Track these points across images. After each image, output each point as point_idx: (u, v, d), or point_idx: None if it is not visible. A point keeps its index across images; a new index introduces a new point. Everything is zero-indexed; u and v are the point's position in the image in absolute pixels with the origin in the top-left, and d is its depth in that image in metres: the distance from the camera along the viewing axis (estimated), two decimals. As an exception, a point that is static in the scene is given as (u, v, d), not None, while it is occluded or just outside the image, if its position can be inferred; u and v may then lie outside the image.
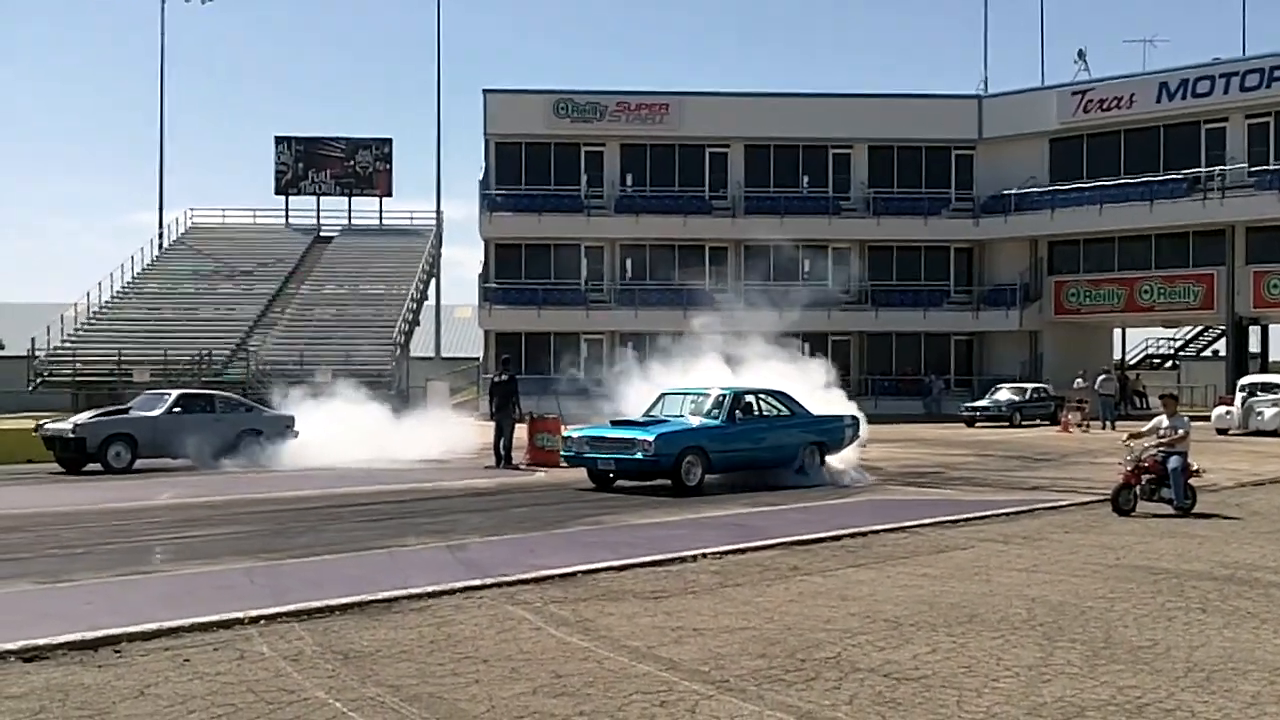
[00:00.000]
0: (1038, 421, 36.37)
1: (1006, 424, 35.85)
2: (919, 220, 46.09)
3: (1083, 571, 9.77)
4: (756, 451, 17.40)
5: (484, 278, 46.43)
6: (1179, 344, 56.60)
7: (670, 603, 8.39)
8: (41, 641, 6.88)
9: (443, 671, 6.46)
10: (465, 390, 44.48)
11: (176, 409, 21.49)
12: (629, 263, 46.58)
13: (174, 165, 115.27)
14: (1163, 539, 11.72)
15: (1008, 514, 13.85)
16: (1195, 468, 13.89)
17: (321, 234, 52.37)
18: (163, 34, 51.73)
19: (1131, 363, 55.38)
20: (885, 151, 47.16)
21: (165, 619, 7.49)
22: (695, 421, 17.08)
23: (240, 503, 15.32)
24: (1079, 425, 32.72)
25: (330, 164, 52.80)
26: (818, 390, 20.10)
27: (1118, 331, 52.02)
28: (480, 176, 47.37)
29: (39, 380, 39.55)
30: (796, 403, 18.32)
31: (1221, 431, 30.71)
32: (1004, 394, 37.92)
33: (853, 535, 11.82)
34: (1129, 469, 13.70)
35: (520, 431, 21.57)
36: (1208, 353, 54.38)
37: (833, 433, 18.53)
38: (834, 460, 18.44)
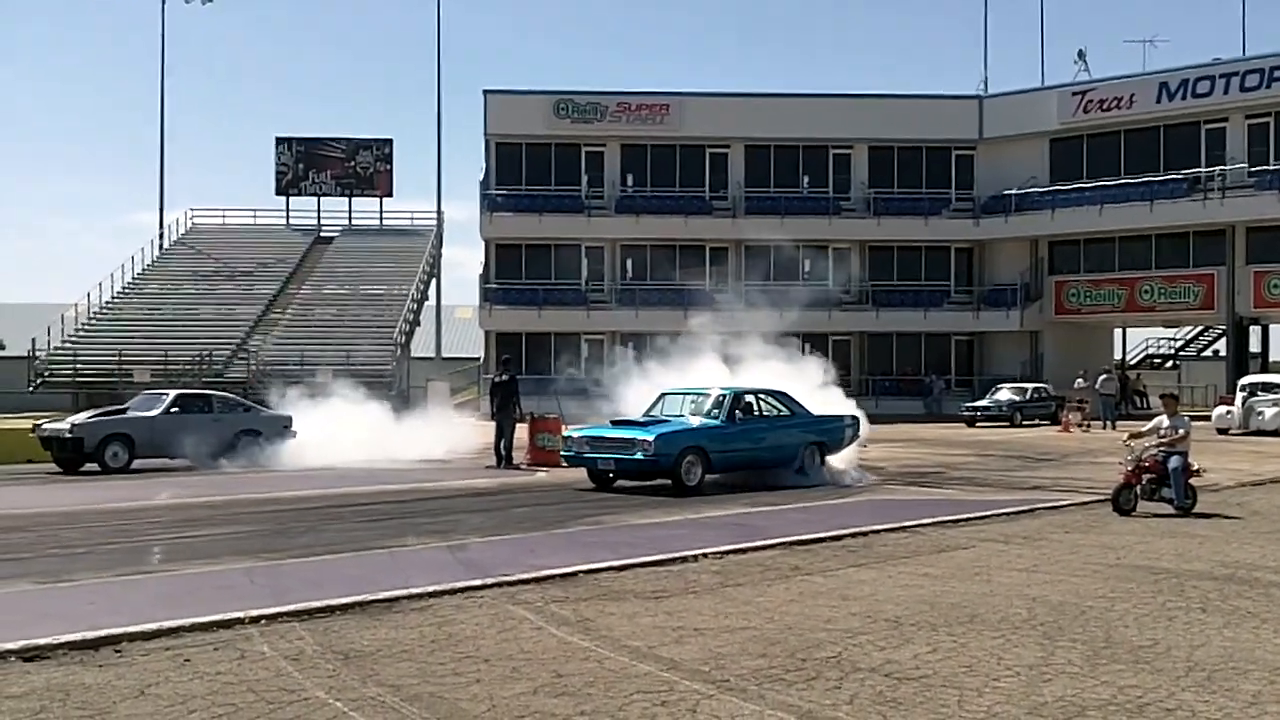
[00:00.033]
0: (1038, 421, 36.39)
1: (1007, 424, 35.86)
2: (919, 220, 46.11)
3: (1083, 571, 9.77)
4: (757, 451, 17.39)
5: (484, 278, 46.47)
6: (1179, 344, 56.62)
7: (671, 602, 8.39)
8: (42, 641, 6.88)
9: (443, 671, 6.46)
10: (466, 390, 44.50)
11: (174, 409, 21.49)
12: (629, 263, 46.60)
13: (174, 165, 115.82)
14: (1163, 539, 11.72)
15: (1008, 514, 13.84)
16: (1196, 467, 13.89)
17: (322, 234, 52.38)
18: (163, 34, 51.80)
19: (1132, 363, 55.40)
20: (885, 152, 47.18)
21: (166, 619, 7.48)
22: (695, 421, 17.07)
23: (240, 503, 15.31)
24: (1079, 425, 32.73)
25: (331, 164, 52.81)
26: (816, 390, 20.09)
27: (1118, 331, 52.05)
28: (481, 177, 47.43)
29: (39, 380, 39.56)
30: (796, 403, 18.32)
31: (1222, 431, 30.71)
32: (1004, 394, 37.93)
33: (853, 535, 11.82)
34: (1129, 469, 13.69)
35: (521, 431, 21.58)
36: (1208, 353, 54.39)
37: (833, 433, 18.53)
38: (834, 460, 18.44)
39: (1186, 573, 9.71)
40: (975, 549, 11.04)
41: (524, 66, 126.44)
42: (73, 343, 41.68)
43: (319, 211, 53.25)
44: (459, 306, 59.18)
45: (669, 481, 16.29)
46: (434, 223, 51.84)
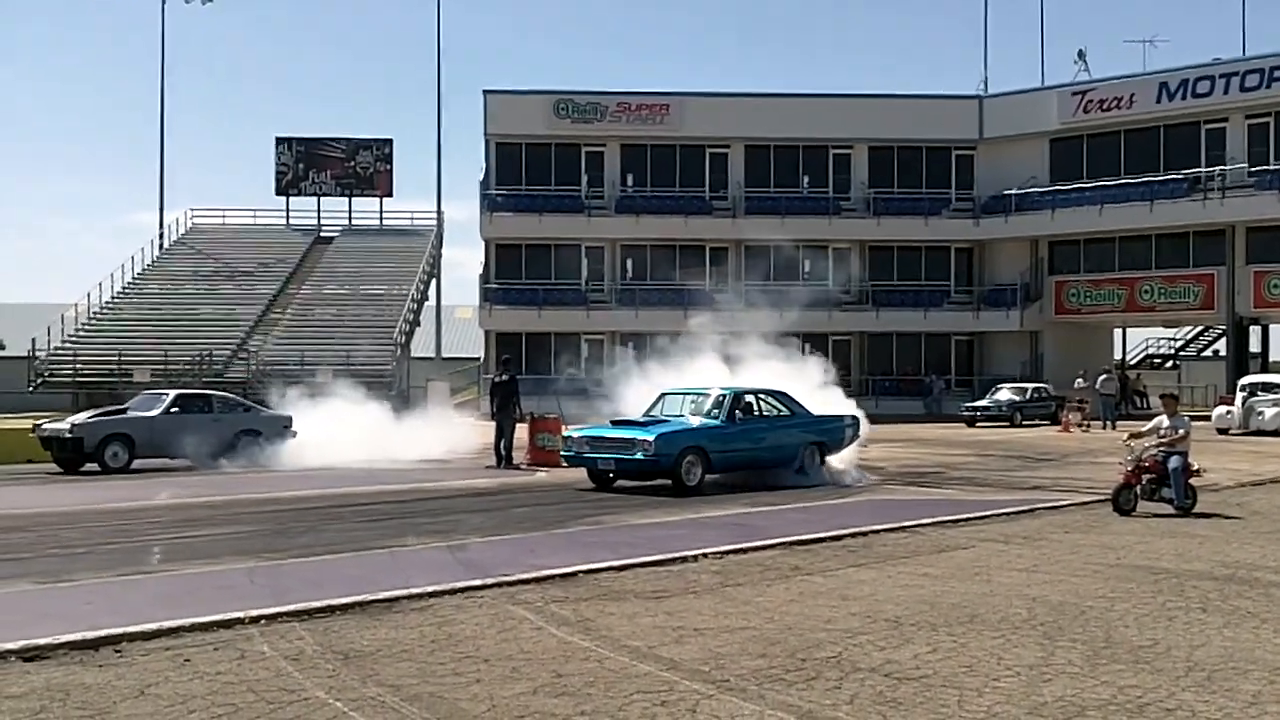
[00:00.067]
0: (1038, 421, 36.38)
1: (1007, 424, 35.86)
2: (919, 220, 46.11)
3: (1083, 571, 9.77)
4: (756, 451, 17.39)
5: (484, 278, 46.48)
6: (1179, 344, 56.63)
7: (671, 602, 8.39)
8: (42, 641, 6.88)
9: (444, 671, 6.46)
10: (466, 390, 44.50)
11: (174, 409, 21.49)
12: (629, 263, 46.62)
13: (174, 165, 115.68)
14: (1163, 539, 11.72)
15: (1008, 514, 13.84)
16: (1196, 467, 13.89)
17: (322, 234, 52.38)
18: (163, 34, 51.79)
19: (1132, 363, 55.41)
20: (885, 152, 47.19)
21: (166, 619, 7.48)
22: (695, 421, 17.07)
23: (240, 503, 15.31)
24: (1079, 425, 32.73)
25: (331, 164, 52.80)
26: (816, 390, 20.09)
27: (1118, 331, 52.06)
28: (481, 177, 47.43)
29: (39, 380, 39.55)
30: (796, 403, 18.32)
31: (1222, 431, 30.71)
32: (1004, 394, 37.93)
33: (853, 535, 11.82)
34: (1129, 469, 13.69)
35: (521, 431, 21.58)
36: (1208, 353, 54.41)
37: (833, 433, 18.53)
38: (834, 460, 18.44)
39: (1186, 573, 9.71)
40: (975, 549, 11.04)
41: (524, 66, 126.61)
42: (73, 343, 41.67)
43: (319, 211, 53.32)
44: (459, 306, 59.19)
45: (669, 481, 16.28)
46: (434, 223, 51.85)
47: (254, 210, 54.29)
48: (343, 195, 53.05)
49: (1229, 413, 31.48)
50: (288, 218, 53.20)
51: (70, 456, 20.50)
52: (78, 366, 39.87)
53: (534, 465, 20.80)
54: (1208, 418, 31.21)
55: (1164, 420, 13.97)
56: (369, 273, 48.08)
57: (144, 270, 48.10)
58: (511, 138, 47.08)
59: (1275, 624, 7.77)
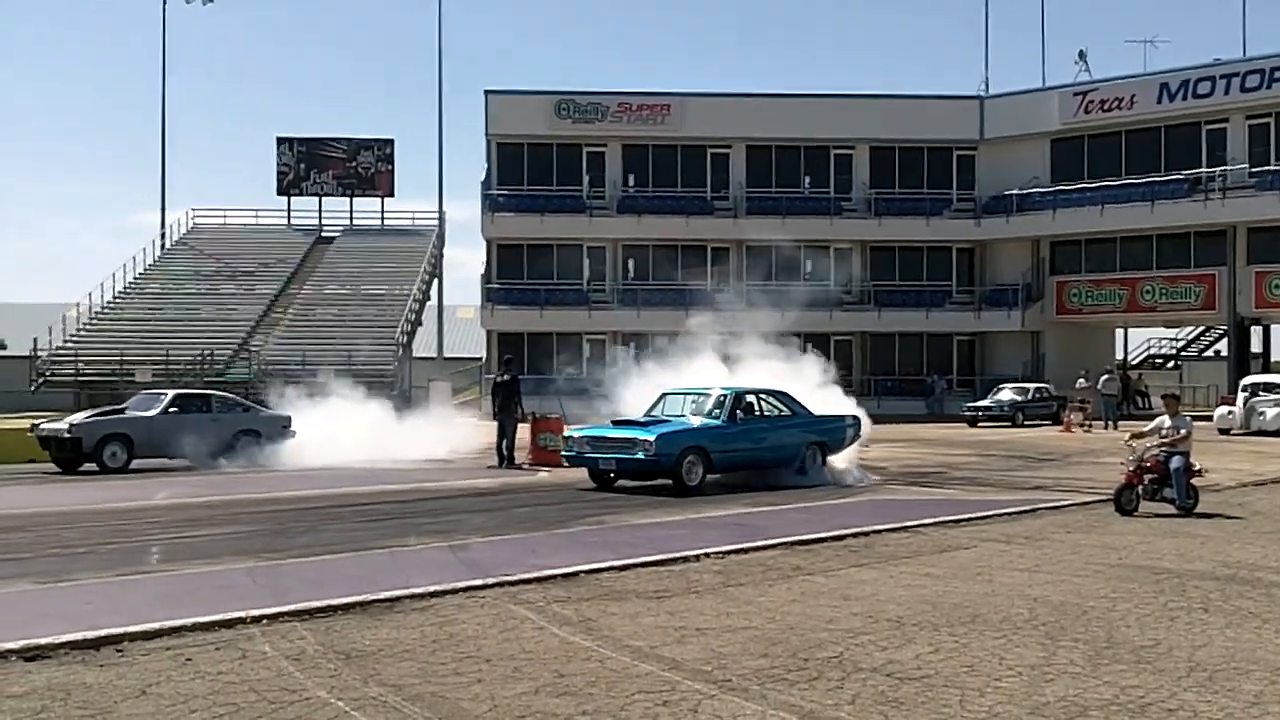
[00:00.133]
0: (1040, 421, 36.38)
1: (1009, 424, 35.85)
2: (921, 220, 46.12)
3: (1085, 571, 9.77)
4: (757, 451, 17.38)
5: (486, 278, 46.49)
6: (1181, 344, 56.62)
7: (673, 602, 8.38)
8: (43, 641, 6.88)
9: (445, 671, 6.46)
10: (467, 390, 44.50)
11: (173, 409, 21.48)
12: (631, 263, 46.61)
13: (175, 166, 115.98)
14: (1165, 539, 11.71)
15: (1010, 514, 13.83)
16: (1197, 467, 13.88)
17: (323, 234, 52.36)
18: (164, 34, 51.78)
19: (1134, 363, 55.39)
20: (887, 152, 47.19)
21: (167, 618, 7.48)
22: (696, 421, 17.07)
23: (240, 503, 15.31)
24: (1081, 425, 32.73)
25: (332, 164, 52.80)
26: (817, 389, 20.08)
27: (1120, 331, 52.05)
28: (482, 177, 47.44)
29: (41, 380, 39.57)
30: (797, 403, 18.31)
31: (1223, 431, 30.69)
32: (1006, 394, 37.92)
33: (855, 535, 11.81)
34: (1131, 469, 13.69)
35: (523, 431, 21.58)
36: (1209, 353, 54.39)
37: (834, 433, 18.52)
38: (836, 460, 18.43)
39: (1188, 573, 9.70)
40: (977, 549, 11.04)
41: (524, 67, 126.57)
42: (74, 343, 41.68)
43: (320, 211, 53.28)
44: (461, 306, 59.17)
45: (670, 481, 16.28)
46: (435, 223, 51.86)
47: (255, 210, 54.34)
48: (344, 195, 53.04)
49: (1230, 413, 31.45)
50: (289, 218, 53.20)
51: (69, 456, 20.50)
52: (79, 366, 39.88)
53: (536, 465, 20.80)
54: (1209, 418, 31.19)
55: (1166, 420, 13.96)
56: (370, 273, 48.09)
57: (145, 270, 48.11)
58: (513, 138, 47.09)
59: (1277, 624, 7.76)
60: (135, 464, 20.63)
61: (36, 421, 22.21)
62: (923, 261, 47.04)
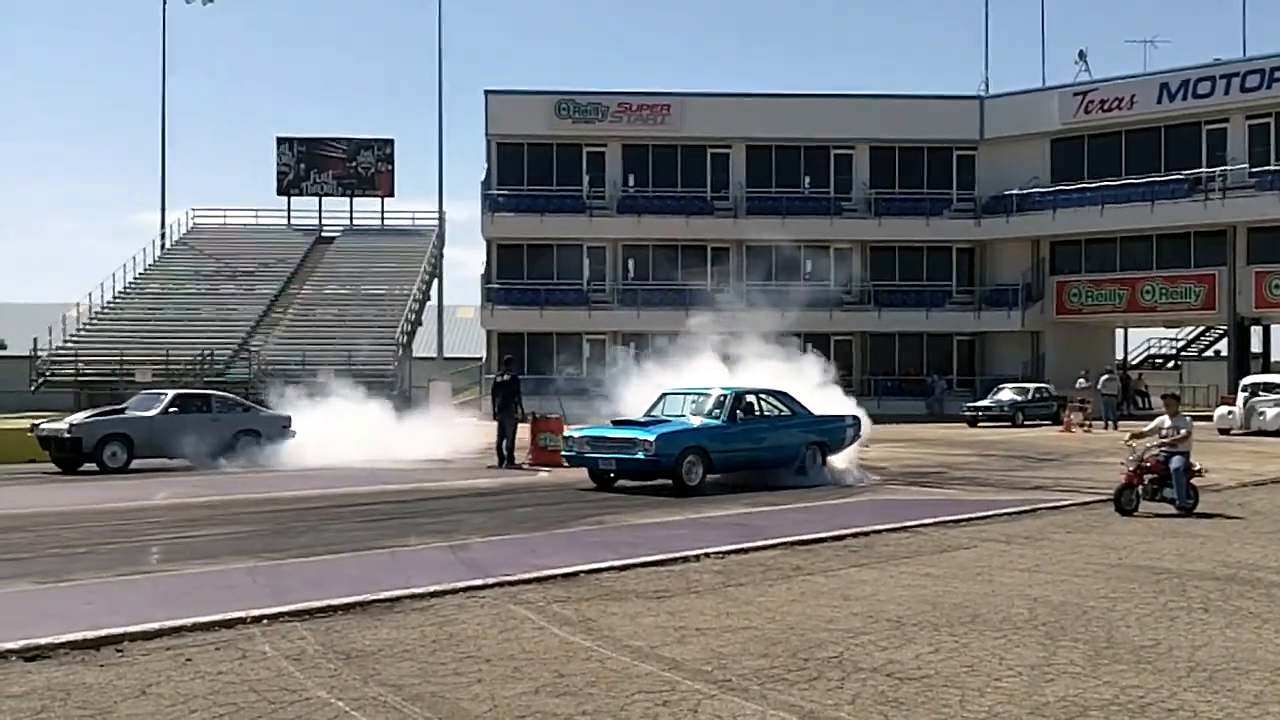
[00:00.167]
0: (1040, 421, 36.38)
1: (1009, 424, 35.84)
2: (921, 221, 46.12)
3: (1085, 571, 9.77)
4: (757, 451, 17.38)
5: (486, 278, 46.50)
6: (1181, 344, 56.62)
7: (673, 602, 8.38)
8: (43, 641, 6.88)
9: (445, 671, 6.46)
10: (468, 390, 44.50)
11: (173, 409, 21.47)
12: (631, 263, 46.61)
13: (175, 166, 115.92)
14: (1165, 539, 11.71)
15: (1010, 514, 13.83)
16: (1197, 468, 13.88)
17: (323, 234, 52.36)
18: (164, 34, 51.78)
19: (1134, 363, 55.38)
20: (887, 152, 47.19)
21: (167, 618, 7.48)
22: (696, 421, 17.06)
23: (240, 503, 15.31)
24: (1081, 425, 32.73)
25: (332, 164, 52.80)
26: (816, 389, 20.07)
27: (1119, 331, 52.05)
28: (482, 177, 47.44)
29: (41, 380, 39.57)
30: (798, 403, 18.31)
31: (1223, 431, 30.69)
32: (1006, 394, 37.92)
33: (855, 535, 11.81)
34: (1131, 469, 13.69)
35: (523, 431, 21.58)
36: (1209, 353, 54.39)
37: (834, 433, 18.52)
38: (836, 460, 18.43)
39: (1188, 573, 9.70)
40: (977, 549, 11.04)
41: (524, 67, 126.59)
42: (74, 342, 41.68)
43: (320, 211, 53.29)
44: (461, 306, 59.17)
45: (670, 481, 16.28)
46: (435, 223, 51.86)
47: (255, 210, 54.33)
48: (344, 195, 53.04)
49: (1230, 413, 31.45)
50: (289, 218, 53.20)
51: (68, 456, 20.49)
52: (79, 366, 39.88)
53: (536, 465, 20.80)
54: (1209, 418, 31.20)
55: (1166, 420, 13.96)
56: (370, 273, 48.09)
57: (145, 270, 48.11)
58: (513, 138, 47.09)
59: (1277, 624, 7.76)
60: (135, 464, 20.63)
61: (36, 421, 22.20)
62: (923, 261, 47.04)
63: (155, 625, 7.31)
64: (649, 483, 16.67)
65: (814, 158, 47.32)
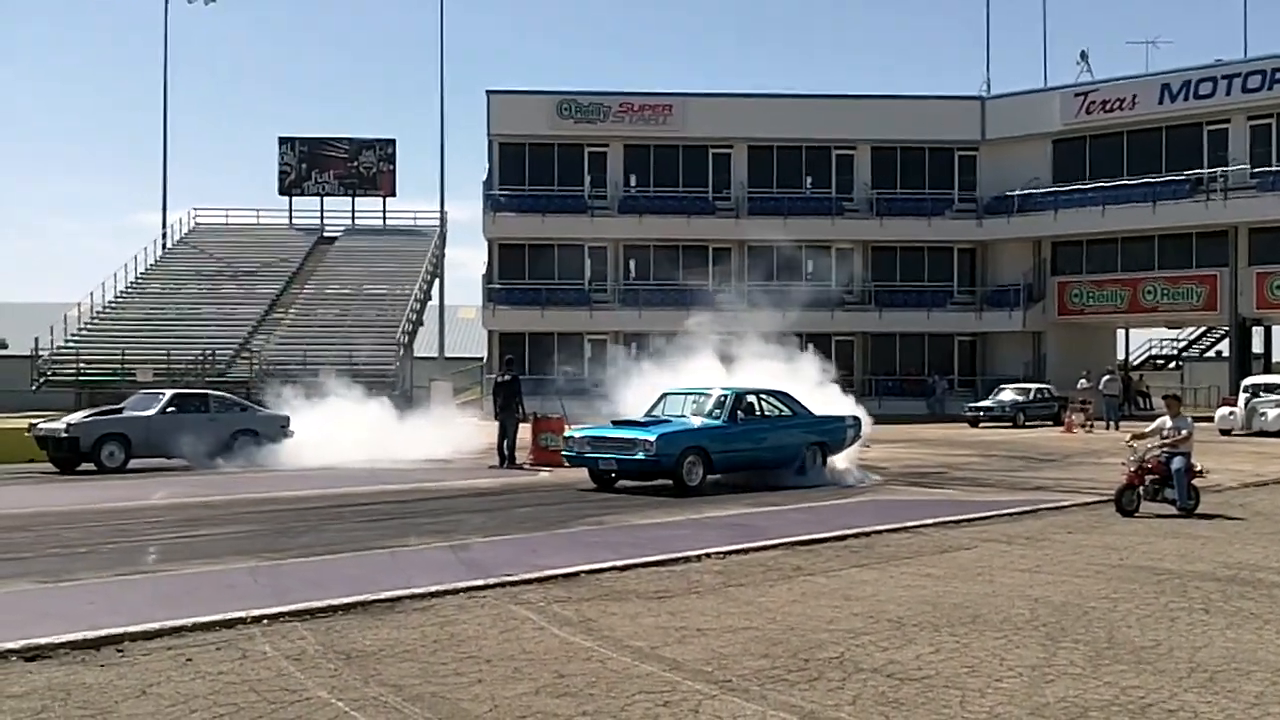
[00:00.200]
0: (1041, 422, 36.36)
1: (1010, 424, 35.84)
2: (922, 221, 46.12)
3: (1086, 572, 9.76)
4: (758, 452, 17.37)
5: (487, 278, 46.51)
6: (1182, 345, 56.63)
7: (673, 603, 8.38)
8: (43, 641, 6.88)
9: (445, 671, 6.46)
10: (469, 390, 44.51)
11: (171, 409, 21.46)
12: (632, 263, 46.61)
13: (176, 166, 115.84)
14: (1166, 539, 11.71)
15: (1011, 514, 13.83)
16: (1199, 468, 13.87)
17: (325, 234, 52.39)
18: (165, 34, 51.75)
19: (1135, 363, 55.37)
20: (888, 152, 47.20)
21: (167, 618, 7.48)
22: (697, 422, 17.06)
23: (240, 503, 15.31)
24: (1082, 426, 32.72)
25: (334, 164, 52.83)
26: (816, 389, 20.06)
27: (1121, 332, 52.03)
28: (484, 177, 47.46)
29: (42, 380, 39.59)
30: (798, 403, 18.30)
31: (1225, 432, 30.68)
32: (1008, 394, 37.91)
33: (856, 535, 11.81)
34: (1132, 469, 13.68)
35: (524, 431, 21.57)
36: (1211, 353, 54.40)
37: (834, 433, 18.51)
38: (836, 460, 18.42)
39: (1189, 574, 9.69)
40: (978, 549, 11.03)
41: (525, 67, 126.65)
42: (75, 342, 41.69)
43: (322, 211, 53.34)
44: (462, 306, 59.16)
45: (670, 482, 16.28)
46: (437, 223, 51.86)
47: (257, 210, 54.33)
48: (346, 195, 53.07)
49: (1232, 413, 31.44)
50: (290, 218, 53.23)
51: (66, 456, 20.48)
52: (80, 366, 39.89)
53: (537, 465, 20.80)
54: (1210, 418, 31.17)
55: (1167, 421, 13.95)
56: (372, 273, 48.10)
57: (147, 270, 48.13)
58: (514, 138, 47.10)
59: (1278, 625, 7.75)
60: (133, 464, 20.62)
61: (35, 421, 22.20)
62: (924, 262, 47.04)
63: (156, 625, 7.31)
64: (649, 483, 16.66)
65: (816, 158, 47.32)
